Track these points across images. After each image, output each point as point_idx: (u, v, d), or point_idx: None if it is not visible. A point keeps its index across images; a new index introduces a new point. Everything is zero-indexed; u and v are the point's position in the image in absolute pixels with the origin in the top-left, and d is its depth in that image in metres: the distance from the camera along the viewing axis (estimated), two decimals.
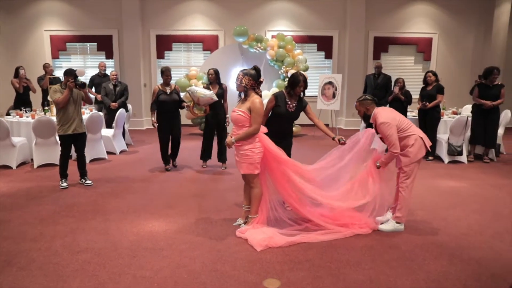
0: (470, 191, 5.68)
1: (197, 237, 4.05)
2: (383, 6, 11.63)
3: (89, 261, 3.52)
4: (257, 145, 3.93)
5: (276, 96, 4.50)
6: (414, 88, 8.77)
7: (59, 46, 11.45)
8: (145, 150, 8.50)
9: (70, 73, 5.45)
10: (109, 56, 11.55)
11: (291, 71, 9.24)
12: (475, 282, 3.22)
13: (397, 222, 4.21)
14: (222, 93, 6.55)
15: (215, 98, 6.02)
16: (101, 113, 7.62)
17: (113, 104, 8.07)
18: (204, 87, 6.55)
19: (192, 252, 3.70)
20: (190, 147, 8.33)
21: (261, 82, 4.06)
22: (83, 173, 5.89)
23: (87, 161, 6.37)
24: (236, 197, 5.23)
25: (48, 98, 7.18)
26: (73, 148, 5.80)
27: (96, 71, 9.36)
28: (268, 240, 3.83)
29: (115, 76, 8.24)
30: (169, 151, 6.71)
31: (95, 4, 11.25)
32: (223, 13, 11.47)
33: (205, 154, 6.87)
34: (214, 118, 6.59)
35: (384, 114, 4.08)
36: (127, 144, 8.58)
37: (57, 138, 6.06)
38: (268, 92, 9.46)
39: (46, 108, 7.68)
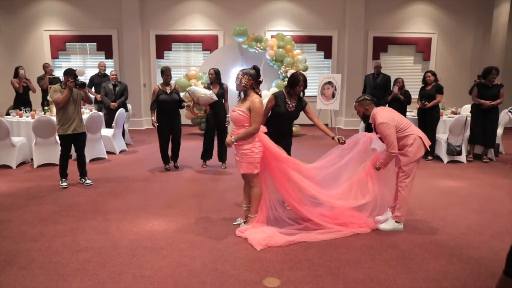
0: (469, 191, 5.69)
1: (197, 236, 4.06)
2: (382, 6, 11.64)
3: (89, 260, 3.53)
4: (257, 144, 3.94)
5: (276, 95, 4.51)
6: (414, 88, 8.79)
7: (58, 46, 11.46)
8: (144, 150, 8.50)
9: (70, 73, 5.46)
10: (109, 56, 11.55)
11: (291, 71, 9.25)
12: (475, 282, 3.23)
13: (396, 222, 4.22)
14: (222, 93, 6.56)
15: (215, 98, 6.02)
16: (100, 113, 7.62)
17: (113, 104, 8.08)
18: (204, 87, 6.57)
19: (192, 252, 3.71)
20: (190, 147, 8.33)
21: (260, 82, 4.07)
22: (83, 173, 5.90)
23: (87, 160, 6.38)
24: (236, 197, 5.24)
25: (48, 98, 7.18)
26: (73, 148, 5.81)
27: (95, 71, 9.36)
28: (268, 239, 3.84)
29: (114, 76, 8.24)
30: (170, 152, 6.71)
31: (94, 4, 11.25)
32: (222, 13, 11.48)
33: (206, 154, 6.88)
34: (214, 118, 6.60)
35: (383, 114, 4.09)
36: (126, 144, 8.59)
37: (57, 138, 6.07)
38: (267, 92, 9.47)
39: (46, 108, 7.69)
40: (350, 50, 11.56)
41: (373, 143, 4.34)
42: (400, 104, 7.66)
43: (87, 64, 11.61)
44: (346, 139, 4.43)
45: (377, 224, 4.26)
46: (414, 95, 7.92)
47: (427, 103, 7.31)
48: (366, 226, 4.21)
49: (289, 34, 10.62)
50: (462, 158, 7.39)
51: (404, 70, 11.83)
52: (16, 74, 8.47)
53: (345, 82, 11.57)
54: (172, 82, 6.57)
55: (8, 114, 8.18)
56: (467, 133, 7.52)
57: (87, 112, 7.49)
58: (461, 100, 10.67)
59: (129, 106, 9.32)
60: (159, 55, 11.65)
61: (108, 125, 8.13)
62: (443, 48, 12.06)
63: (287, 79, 8.83)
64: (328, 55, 11.89)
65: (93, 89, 9.02)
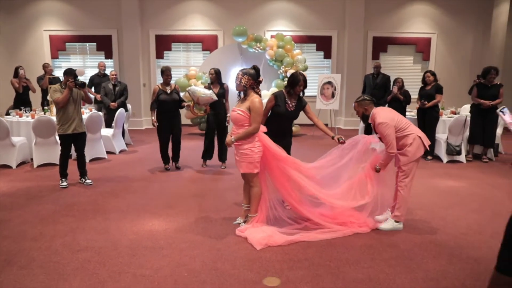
0: (469, 191, 5.70)
1: (197, 236, 4.06)
2: (382, 6, 11.65)
3: (89, 259, 3.54)
4: (257, 144, 3.95)
5: (275, 95, 4.52)
6: (413, 88, 8.80)
7: (58, 46, 11.46)
8: (144, 149, 8.51)
9: (70, 73, 5.46)
10: (109, 56, 11.55)
11: (290, 71, 9.27)
12: (474, 281, 3.24)
13: (396, 221, 4.23)
14: (223, 93, 6.56)
15: (215, 98, 6.03)
16: (100, 113, 7.63)
17: (113, 104, 8.08)
18: (205, 87, 6.58)
19: (192, 251, 3.72)
20: (190, 147, 8.34)
21: (260, 82, 4.08)
22: (83, 173, 5.90)
23: (87, 160, 6.38)
24: (235, 197, 5.24)
25: (48, 97, 7.19)
26: (73, 148, 5.82)
27: (95, 71, 9.37)
28: (268, 238, 3.85)
29: (114, 76, 8.24)
30: (170, 152, 6.71)
31: (94, 4, 11.26)
32: (222, 13, 11.48)
33: (207, 154, 6.88)
34: (215, 118, 6.61)
35: (383, 114, 4.10)
36: (126, 144, 8.59)
37: (57, 137, 6.08)
38: (267, 92, 9.48)
39: (45, 108, 7.70)
40: (350, 50, 11.57)
41: (373, 144, 4.35)
42: (399, 104, 7.67)
43: (86, 64, 11.61)
44: (346, 140, 4.44)
45: (376, 224, 4.27)
46: (414, 95, 7.93)
47: (426, 102, 7.32)
48: (366, 226, 4.22)
49: (288, 34, 10.63)
50: (462, 158, 7.40)
51: (404, 70, 11.84)
52: (16, 74, 8.47)
53: (345, 82, 11.58)
54: (172, 82, 6.58)
55: (8, 114, 8.19)
56: (467, 133, 7.53)
57: (87, 112, 7.50)
58: (461, 100, 10.68)
59: (128, 106, 9.33)
60: (159, 55, 11.65)
61: (108, 125, 8.13)
62: (442, 48, 12.07)
63: (286, 79, 8.84)
64: (327, 55, 11.90)
65: (93, 89, 9.02)
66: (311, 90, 10.62)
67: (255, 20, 11.50)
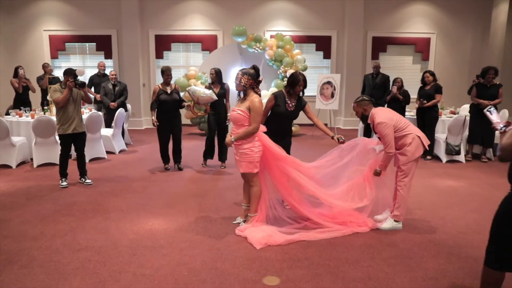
0: (468, 190, 5.71)
1: (197, 235, 4.07)
2: (381, 6, 11.67)
3: (90, 259, 3.55)
4: (257, 144, 3.96)
5: (275, 95, 4.53)
6: (412, 88, 8.80)
7: (58, 46, 11.47)
8: (144, 149, 8.51)
9: (70, 73, 5.47)
10: (108, 56, 11.56)
11: (290, 71, 9.27)
12: (473, 280, 3.25)
13: (395, 221, 4.24)
14: (223, 93, 6.57)
15: (215, 98, 6.03)
16: (100, 113, 7.63)
17: (112, 103, 8.08)
18: (206, 87, 6.59)
19: (192, 250, 3.73)
20: (189, 147, 8.35)
21: (260, 82, 4.08)
22: (82, 172, 5.91)
23: (87, 160, 6.39)
24: (235, 196, 5.25)
25: (48, 97, 7.20)
26: (72, 148, 5.82)
27: (95, 71, 9.37)
28: (268, 238, 3.86)
29: (114, 76, 8.24)
30: (172, 153, 6.69)
31: (94, 4, 11.26)
32: (222, 13, 11.49)
33: (208, 154, 6.89)
34: (215, 118, 6.61)
35: (382, 114, 4.11)
36: (126, 144, 8.60)
37: (57, 137, 6.08)
38: (267, 92, 9.48)
39: (45, 107, 7.70)
40: (349, 50, 11.58)
41: (372, 145, 4.37)
42: (399, 104, 7.68)
43: (86, 64, 11.61)
44: (346, 141, 4.45)
45: (376, 223, 4.28)
46: (413, 95, 7.93)
47: (425, 101, 7.33)
48: (365, 225, 4.23)
49: (288, 34, 10.64)
50: (461, 157, 7.42)
51: (403, 70, 11.85)
52: (16, 74, 8.48)
53: (344, 82, 11.59)
54: (172, 82, 6.58)
55: (8, 114, 8.19)
56: (466, 132, 7.54)
57: (87, 112, 7.50)
58: (460, 100, 10.70)
59: (128, 106, 9.33)
60: (159, 55, 11.66)
61: (108, 125, 8.14)
62: (442, 48, 12.09)
63: (286, 79, 8.85)
64: (327, 55, 11.91)
65: (92, 89, 9.03)
66: (310, 90, 10.62)
67: (254, 20, 11.51)
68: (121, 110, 8.02)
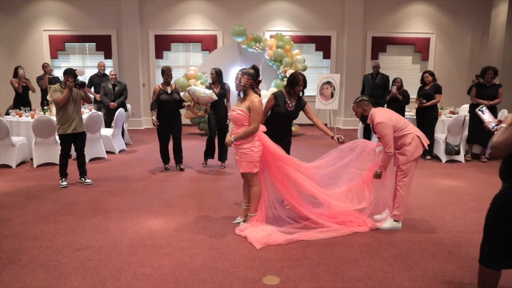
0: (468, 190, 5.73)
1: (197, 235, 4.08)
2: (381, 6, 11.67)
3: (90, 258, 3.55)
4: (256, 143, 3.97)
5: (275, 95, 4.53)
6: (412, 88, 8.82)
7: (58, 46, 11.47)
8: (144, 149, 8.52)
9: (70, 73, 5.48)
10: (108, 56, 11.56)
11: (290, 71, 9.28)
12: (472, 279, 3.26)
13: (395, 220, 4.25)
14: (224, 93, 6.57)
15: (215, 97, 6.04)
16: (100, 113, 7.64)
17: (112, 103, 8.08)
18: (206, 87, 6.59)
19: (192, 250, 3.73)
20: (189, 147, 8.35)
21: (260, 81, 4.09)
22: (82, 172, 5.92)
23: (87, 160, 6.40)
24: (235, 196, 5.26)
25: (48, 97, 7.20)
26: (72, 147, 5.83)
27: (95, 71, 9.37)
28: (267, 237, 3.87)
29: (114, 76, 8.25)
30: (173, 153, 6.67)
31: (94, 4, 11.26)
32: (221, 13, 11.50)
33: (209, 154, 6.88)
34: (215, 118, 6.62)
35: (381, 114, 4.12)
36: (126, 144, 8.60)
37: (57, 137, 6.09)
38: (266, 92, 9.49)
39: (45, 107, 7.71)
40: (349, 50, 11.59)
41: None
42: (398, 104, 7.69)
43: (86, 64, 11.62)
44: (346, 141, 4.46)
45: (376, 223, 4.29)
46: (413, 95, 7.95)
47: (424, 101, 7.33)
48: (365, 225, 4.24)
49: (288, 34, 10.65)
50: (460, 157, 7.43)
51: (403, 70, 11.86)
52: (16, 74, 8.49)
53: (344, 82, 11.60)
54: (172, 82, 6.58)
55: (7, 113, 8.20)
56: (465, 132, 7.55)
57: (87, 112, 7.51)
58: (460, 100, 10.71)
59: (128, 106, 9.33)
60: (158, 55, 11.66)
61: (108, 124, 8.14)
62: (441, 48, 12.10)
63: (286, 79, 8.86)
64: (327, 55, 11.92)
65: (92, 89, 9.03)
66: (310, 90, 10.61)
67: (254, 20, 11.52)
68: (121, 110, 8.03)
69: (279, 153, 4.10)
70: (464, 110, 8.95)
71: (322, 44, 11.83)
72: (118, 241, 3.93)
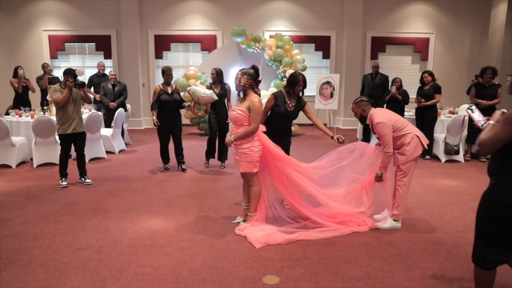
0: (467, 190, 5.74)
1: (197, 235, 4.09)
2: (380, 6, 11.68)
3: (90, 258, 3.56)
4: (256, 143, 3.97)
5: (275, 95, 4.54)
6: (412, 88, 8.82)
7: (57, 46, 11.47)
8: (144, 149, 8.53)
9: (70, 73, 5.48)
10: (108, 56, 11.57)
11: (289, 71, 9.29)
12: (471, 279, 3.24)
13: (394, 220, 4.26)
14: (224, 93, 6.58)
15: (215, 98, 6.04)
16: (100, 113, 7.64)
17: (112, 103, 8.09)
18: (207, 87, 6.60)
19: (192, 250, 3.74)
20: (189, 147, 8.35)
21: (259, 81, 4.10)
22: (82, 172, 5.92)
23: (87, 160, 6.40)
24: (235, 196, 5.27)
25: (48, 97, 7.21)
26: (72, 147, 5.84)
27: (94, 71, 9.37)
28: (267, 237, 3.88)
29: (114, 76, 8.25)
30: (174, 154, 6.66)
31: (93, 4, 11.27)
32: (221, 13, 11.51)
33: (210, 153, 6.89)
34: (216, 118, 6.62)
35: (380, 114, 4.13)
36: (126, 144, 8.61)
37: (57, 137, 6.09)
38: (266, 92, 9.50)
39: (45, 107, 7.71)
40: (348, 50, 11.60)
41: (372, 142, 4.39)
42: (398, 104, 7.70)
43: (86, 64, 11.62)
44: (346, 143, 4.47)
45: (375, 223, 4.30)
46: (412, 95, 7.95)
47: (423, 100, 7.34)
48: (364, 225, 4.25)
49: (287, 34, 10.66)
50: (460, 157, 7.44)
51: (402, 70, 11.87)
52: (15, 74, 8.49)
53: (344, 82, 11.62)
54: (172, 82, 6.59)
55: (7, 113, 8.20)
56: (465, 132, 7.57)
57: (86, 112, 7.51)
58: (459, 100, 10.71)
59: (128, 106, 9.34)
60: (158, 55, 11.67)
61: (107, 124, 8.15)
62: (440, 48, 12.11)
63: (285, 79, 8.87)
64: (326, 55, 11.92)
65: (92, 89, 9.03)
66: (309, 90, 10.58)
67: (254, 20, 11.52)
68: (120, 110, 8.03)
69: (278, 153, 4.11)
70: (463, 110, 8.94)
71: (322, 44, 11.84)
72: (118, 241, 3.93)
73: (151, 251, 3.71)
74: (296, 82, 4.43)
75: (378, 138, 4.20)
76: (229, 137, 4.03)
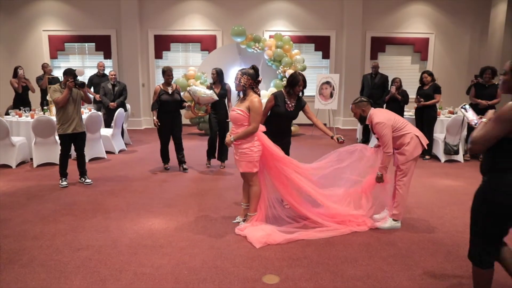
0: (466, 190, 5.74)
1: (197, 234, 4.09)
2: (380, 6, 11.69)
3: (90, 258, 3.57)
4: (256, 143, 3.98)
5: (275, 95, 4.55)
6: (411, 88, 8.83)
7: (57, 46, 11.47)
8: (143, 149, 8.53)
9: (70, 73, 5.49)
10: (108, 56, 11.57)
11: (289, 71, 9.30)
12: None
13: (394, 220, 4.27)
14: (224, 93, 6.58)
15: (216, 98, 6.05)
16: (100, 113, 7.65)
17: (112, 103, 8.09)
18: (207, 87, 6.60)
19: (192, 249, 3.75)
20: (189, 147, 8.35)
21: (259, 81, 4.11)
22: (82, 172, 5.93)
23: (87, 160, 6.41)
24: (235, 196, 5.27)
25: (48, 97, 7.21)
26: (72, 147, 5.84)
27: (94, 71, 9.37)
28: (267, 237, 3.88)
29: (113, 76, 8.25)
30: (175, 154, 6.67)
31: (93, 4, 11.27)
32: (221, 13, 11.51)
33: (210, 153, 6.89)
34: (216, 118, 6.63)
35: (380, 114, 4.14)
36: (126, 144, 8.61)
37: (57, 137, 6.10)
38: (266, 92, 9.50)
39: (45, 107, 7.72)
40: (348, 50, 11.61)
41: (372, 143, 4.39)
42: (397, 104, 7.71)
43: (86, 64, 11.62)
44: (346, 144, 4.47)
45: (375, 223, 4.31)
46: (412, 94, 7.96)
47: (422, 99, 7.35)
48: (364, 224, 4.25)
49: (287, 34, 10.66)
50: (459, 157, 7.45)
51: (402, 70, 11.87)
52: (15, 74, 8.50)
53: (343, 82, 11.62)
54: (172, 82, 6.59)
55: (7, 113, 8.20)
56: (464, 132, 7.57)
57: (86, 112, 7.52)
58: (459, 100, 10.66)
59: (128, 106, 9.34)
60: (158, 55, 11.67)
61: (107, 125, 8.15)
62: (440, 48, 12.12)
63: (285, 79, 8.87)
64: (326, 55, 11.93)
65: (92, 89, 9.03)
66: (309, 90, 10.58)
67: (253, 20, 11.53)
68: (120, 110, 8.04)
69: (278, 154, 4.11)
70: None
71: (321, 44, 11.84)
72: (118, 240, 3.94)
73: (151, 251, 3.71)
74: (296, 82, 4.44)
75: (377, 138, 4.21)
76: (229, 137, 4.04)
